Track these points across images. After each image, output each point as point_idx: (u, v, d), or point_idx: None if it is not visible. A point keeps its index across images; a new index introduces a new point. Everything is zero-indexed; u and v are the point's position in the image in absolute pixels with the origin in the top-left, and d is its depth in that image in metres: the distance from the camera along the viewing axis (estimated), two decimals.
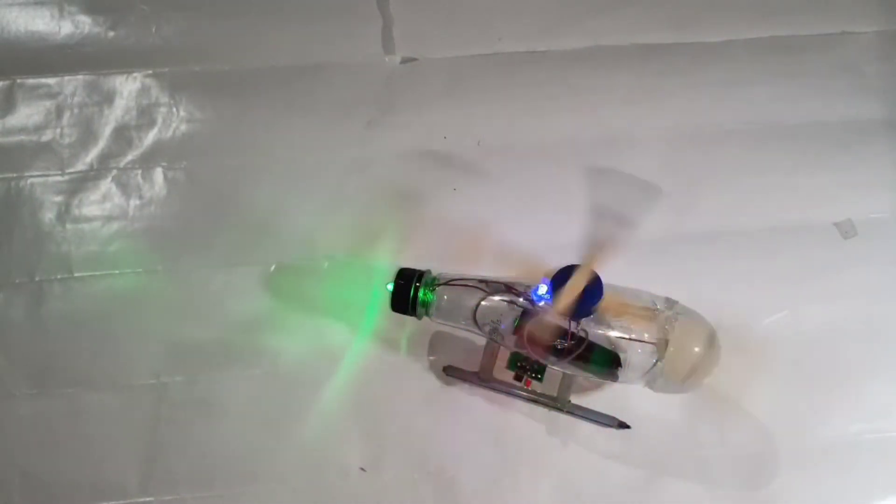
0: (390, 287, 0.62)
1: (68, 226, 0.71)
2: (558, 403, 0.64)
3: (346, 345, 0.68)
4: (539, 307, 0.59)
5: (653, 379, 0.59)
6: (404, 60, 0.76)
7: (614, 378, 0.61)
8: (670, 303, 0.60)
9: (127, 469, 0.66)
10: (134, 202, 0.72)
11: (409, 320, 0.64)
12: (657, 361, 0.58)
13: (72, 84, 0.74)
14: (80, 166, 0.73)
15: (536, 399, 0.65)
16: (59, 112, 0.74)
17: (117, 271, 0.70)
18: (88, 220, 0.71)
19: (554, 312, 0.58)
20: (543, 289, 0.59)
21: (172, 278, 0.70)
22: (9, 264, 0.70)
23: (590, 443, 0.66)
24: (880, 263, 0.72)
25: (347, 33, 0.76)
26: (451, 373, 0.67)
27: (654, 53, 0.77)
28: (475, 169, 0.73)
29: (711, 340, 0.60)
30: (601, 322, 0.59)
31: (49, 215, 0.71)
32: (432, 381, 0.68)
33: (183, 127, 0.74)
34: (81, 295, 0.69)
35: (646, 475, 0.66)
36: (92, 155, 0.73)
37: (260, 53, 0.76)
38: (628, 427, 0.65)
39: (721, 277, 0.71)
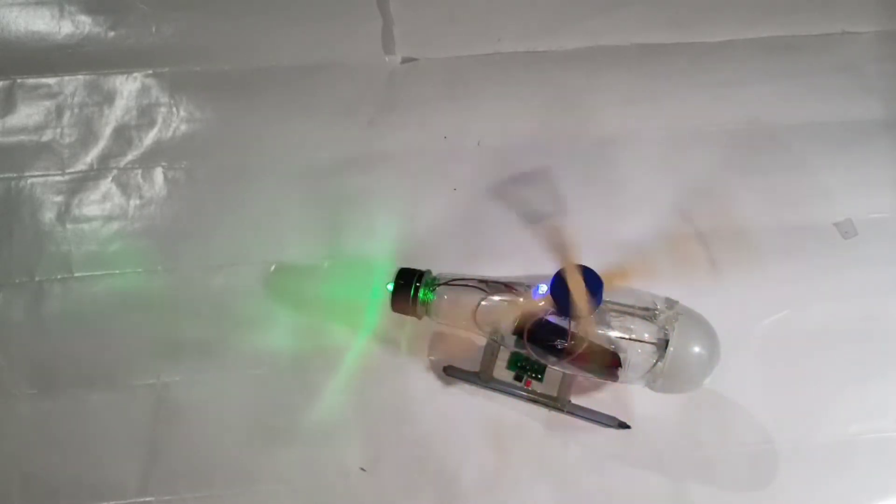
0: (390, 287, 0.62)
1: (68, 226, 0.71)
2: (558, 403, 0.64)
3: (346, 345, 0.68)
4: (539, 307, 0.59)
5: (653, 379, 0.59)
6: (404, 60, 0.76)
7: (614, 378, 0.61)
8: (670, 303, 0.60)
9: (127, 469, 0.66)
10: (134, 202, 0.72)
11: (409, 320, 0.64)
12: (657, 361, 0.58)
13: (72, 84, 0.74)
14: (80, 166, 0.73)
15: (536, 399, 0.65)
16: (59, 112, 0.74)
17: (117, 271, 0.70)
18: (88, 220, 0.71)
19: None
20: (543, 289, 0.59)
21: (172, 278, 0.70)
22: (9, 264, 0.70)
23: (590, 443, 0.66)
24: (880, 263, 0.72)
25: (347, 33, 0.76)
26: (451, 373, 0.66)
27: (654, 53, 0.77)
28: (475, 169, 0.73)
29: (711, 340, 0.60)
30: (601, 322, 0.59)
31: (49, 215, 0.71)
32: (432, 381, 0.68)
33: (183, 127, 0.74)
34: (81, 295, 0.69)
35: (646, 475, 0.66)
36: (92, 155, 0.73)
37: (260, 53, 0.76)
38: (628, 427, 0.65)
39: (721, 277, 0.71)
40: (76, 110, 0.74)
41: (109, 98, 0.74)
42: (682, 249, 0.71)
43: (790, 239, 0.72)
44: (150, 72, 0.75)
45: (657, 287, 0.62)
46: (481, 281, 0.62)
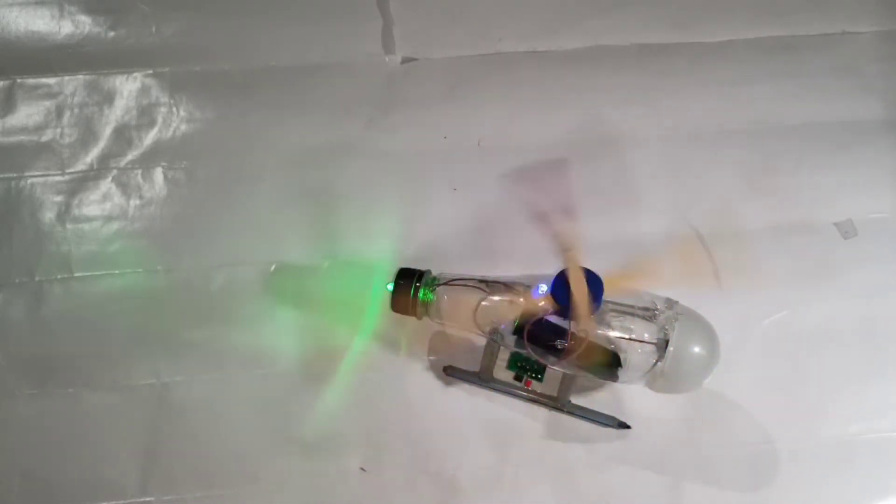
0: (390, 287, 0.62)
1: (68, 226, 0.71)
2: (558, 403, 0.64)
3: (346, 345, 0.68)
4: (539, 307, 0.59)
5: (653, 379, 0.59)
6: (404, 60, 0.76)
7: (614, 378, 0.61)
8: (670, 303, 0.60)
9: (127, 469, 0.66)
10: (134, 202, 0.72)
11: (409, 320, 0.64)
12: (657, 361, 0.58)
13: (72, 84, 0.74)
14: (80, 166, 0.73)
15: (536, 399, 0.65)
16: (59, 112, 0.74)
17: (117, 271, 0.70)
18: (88, 220, 0.71)
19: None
20: (543, 289, 0.59)
21: (172, 278, 0.70)
22: (9, 264, 0.70)
23: (590, 443, 0.66)
24: (880, 263, 0.72)
25: (347, 33, 0.76)
26: (451, 373, 0.66)
27: (654, 53, 0.77)
28: (475, 169, 0.73)
29: (711, 341, 0.60)
30: (601, 322, 0.59)
31: (49, 215, 0.71)
32: (432, 381, 0.68)
33: (183, 127, 0.74)
34: (81, 295, 0.69)
35: (646, 475, 0.66)
36: (92, 155, 0.73)
37: (260, 53, 0.76)
38: (628, 427, 0.65)
39: (722, 279, 0.70)
40: (76, 110, 0.74)
41: (109, 98, 0.74)
42: (684, 251, 0.71)
43: (790, 239, 0.72)
44: (150, 72, 0.75)
45: (660, 289, 0.62)
46: (481, 281, 0.62)
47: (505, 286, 0.61)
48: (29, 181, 0.72)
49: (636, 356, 0.59)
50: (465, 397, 0.67)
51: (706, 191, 0.73)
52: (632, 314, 0.60)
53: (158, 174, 0.73)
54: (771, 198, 0.73)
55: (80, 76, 0.74)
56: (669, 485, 0.66)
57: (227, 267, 0.70)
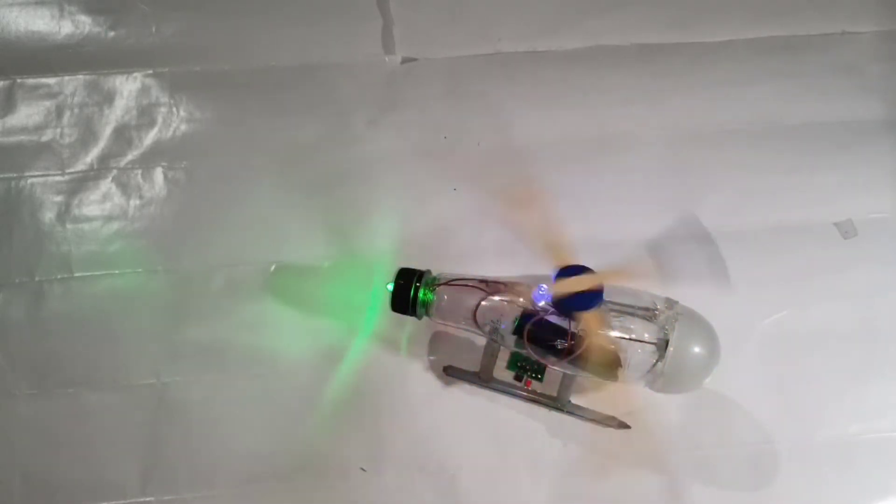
0: (390, 287, 0.62)
1: (68, 226, 0.71)
2: (558, 403, 0.64)
3: (346, 345, 0.68)
4: (539, 307, 0.59)
5: (653, 379, 0.59)
6: (404, 60, 0.76)
7: (614, 378, 0.61)
8: (670, 303, 0.60)
9: (127, 469, 0.66)
10: (134, 202, 0.72)
11: (409, 320, 0.64)
12: (657, 361, 0.58)
13: (72, 84, 0.74)
14: (80, 166, 0.73)
15: (536, 399, 0.65)
16: (59, 112, 0.74)
17: (117, 271, 0.70)
18: (88, 220, 0.71)
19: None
20: (544, 289, 0.59)
21: (172, 278, 0.70)
22: (9, 264, 0.70)
23: (590, 443, 0.66)
24: (880, 263, 0.72)
25: (347, 33, 0.76)
26: (451, 373, 0.67)
27: (654, 53, 0.77)
28: (475, 169, 0.73)
29: (711, 340, 0.60)
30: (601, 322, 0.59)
31: (49, 215, 0.71)
32: (432, 381, 0.68)
33: (183, 127, 0.74)
34: (81, 295, 0.69)
35: (646, 475, 0.66)
36: (92, 155, 0.73)
37: (260, 53, 0.76)
38: (628, 427, 0.65)
39: (721, 277, 0.71)
40: (76, 110, 0.74)
41: (109, 98, 0.74)
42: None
43: (790, 239, 0.72)
44: (150, 72, 0.75)
45: (658, 287, 0.62)
46: (481, 281, 0.62)
47: (505, 286, 0.61)
48: (29, 181, 0.72)
49: (636, 356, 0.59)
50: (465, 397, 0.67)
51: (706, 191, 0.73)
52: (632, 314, 0.60)
53: (158, 174, 0.73)
54: (771, 198, 0.73)
55: (80, 76, 0.74)
56: (669, 485, 0.66)
57: (227, 267, 0.70)
